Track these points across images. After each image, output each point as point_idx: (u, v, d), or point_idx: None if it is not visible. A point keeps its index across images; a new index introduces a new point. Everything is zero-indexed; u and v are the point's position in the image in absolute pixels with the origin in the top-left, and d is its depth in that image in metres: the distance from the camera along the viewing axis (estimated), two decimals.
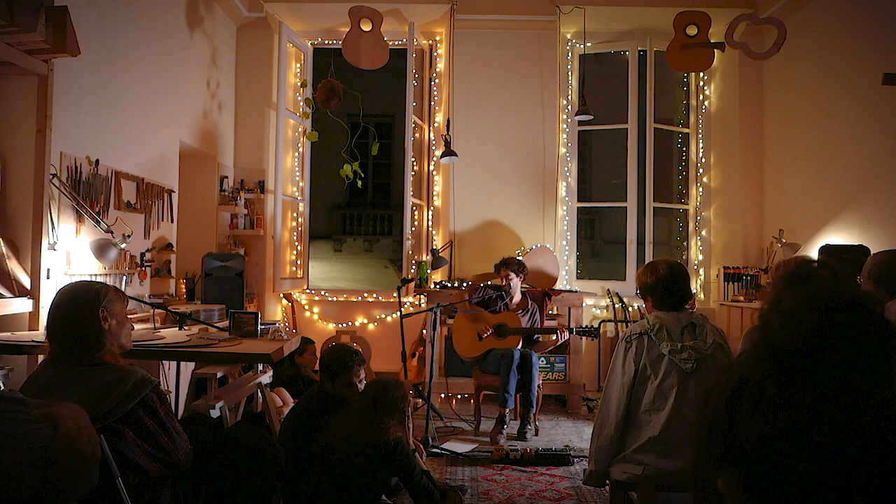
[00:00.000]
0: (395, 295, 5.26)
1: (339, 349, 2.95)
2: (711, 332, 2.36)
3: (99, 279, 3.53)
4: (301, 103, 5.72)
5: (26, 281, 3.13)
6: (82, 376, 1.85)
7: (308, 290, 6.00)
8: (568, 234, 5.86)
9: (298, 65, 6.06)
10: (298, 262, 6.03)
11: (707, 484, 0.67)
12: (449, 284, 5.27)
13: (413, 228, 5.84)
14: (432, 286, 5.32)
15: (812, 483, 0.58)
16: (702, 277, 5.91)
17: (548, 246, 5.59)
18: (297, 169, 6.05)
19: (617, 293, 5.49)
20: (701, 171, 5.99)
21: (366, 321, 5.85)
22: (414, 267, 5.40)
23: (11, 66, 2.97)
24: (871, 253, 3.28)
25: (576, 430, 4.48)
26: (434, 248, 5.55)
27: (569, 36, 5.91)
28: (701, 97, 6.01)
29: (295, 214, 6.04)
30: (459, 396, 5.24)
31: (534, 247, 5.51)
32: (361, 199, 17.26)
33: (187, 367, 3.94)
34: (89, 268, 3.51)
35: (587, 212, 13.72)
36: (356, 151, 5.62)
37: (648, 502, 2.26)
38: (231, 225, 5.58)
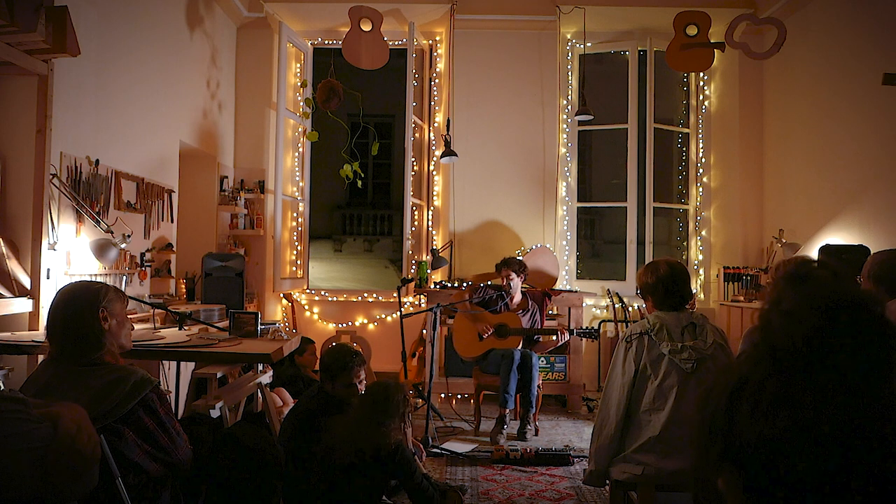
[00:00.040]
0: (395, 295, 5.26)
1: (339, 350, 2.94)
2: (712, 332, 2.36)
3: (99, 279, 3.53)
4: (301, 103, 5.73)
5: (26, 281, 3.13)
6: (82, 376, 1.85)
7: (308, 290, 6.00)
8: (568, 234, 5.86)
9: (298, 65, 6.06)
10: (298, 262, 6.03)
11: (707, 484, 0.67)
12: (449, 284, 5.27)
13: (413, 228, 5.84)
14: (432, 286, 5.32)
15: (812, 483, 0.58)
16: (702, 277, 5.91)
17: (548, 246, 5.59)
18: (297, 169, 6.05)
19: (617, 293, 5.49)
20: (701, 171, 6.00)
21: (366, 321, 5.85)
22: (414, 267, 5.40)
23: (11, 66, 2.97)
24: (871, 253, 3.28)
25: (576, 430, 4.48)
26: (434, 248, 5.55)
27: (569, 36, 5.91)
28: (701, 97, 6.01)
29: (295, 214, 6.04)
30: (459, 396, 5.24)
31: (534, 247, 5.51)
32: (361, 199, 17.26)
33: (187, 367, 3.94)
34: (89, 268, 3.51)
35: (587, 212, 13.72)
36: (356, 151, 5.63)
37: (648, 502, 2.26)
38: (231, 225, 5.58)
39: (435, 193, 5.93)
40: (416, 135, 5.95)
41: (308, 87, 5.81)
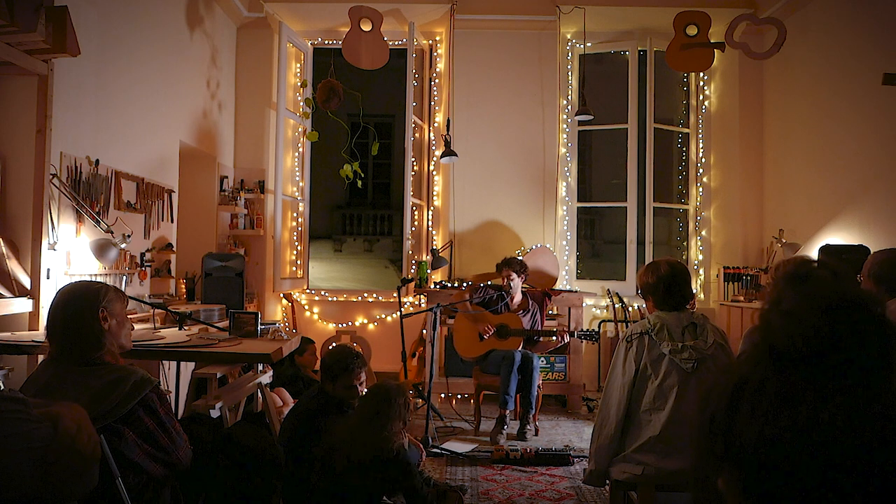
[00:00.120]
0: (395, 295, 5.26)
1: (340, 351, 2.94)
2: (712, 332, 2.36)
3: (99, 279, 3.53)
4: (301, 103, 5.73)
5: (26, 281, 3.13)
6: (82, 376, 1.85)
7: (308, 290, 6.00)
8: (568, 234, 5.86)
9: (298, 65, 6.06)
10: (298, 262, 6.03)
11: (707, 484, 0.67)
12: (449, 284, 5.27)
13: (413, 228, 5.84)
14: (432, 286, 5.32)
15: (812, 483, 0.58)
16: (702, 277, 5.91)
17: (548, 246, 5.59)
18: (297, 169, 6.05)
19: (617, 293, 5.49)
20: (701, 171, 6.00)
21: (366, 321, 5.85)
22: (414, 267, 5.40)
23: (11, 66, 2.97)
24: (872, 252, 3.28)
25: (576, 430, 4.48)
26: (434, 248, 5.55)
27: (569, 36, 5.91)
28: (701, 97, 6.01)
29: (295, 214, 6.04)
30: (459, 396, 5.24)
31: (534, 247, 5.51)
32: (361, 199, 17.26)
33: (187, 367, 3.94)
34: (89, 268, 3.51)
35: (587, 212, 13.72)
36: (356, 151, 5.63)
37: (648, 502, 2.26)
38: (231, 225, 5.58)
39: (435, 193, 5.93)
40: (416, 135, 5.95)
41: (308, 87, 5.81)
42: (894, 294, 2.37)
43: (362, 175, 5.45)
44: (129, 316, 2.16)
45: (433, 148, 5.94)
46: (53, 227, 3.21)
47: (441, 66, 5.92)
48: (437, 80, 5.94)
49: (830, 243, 4.30)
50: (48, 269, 3.19)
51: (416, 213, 5.94)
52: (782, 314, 0.66)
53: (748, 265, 5.62)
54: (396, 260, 14.47)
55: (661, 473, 2.21)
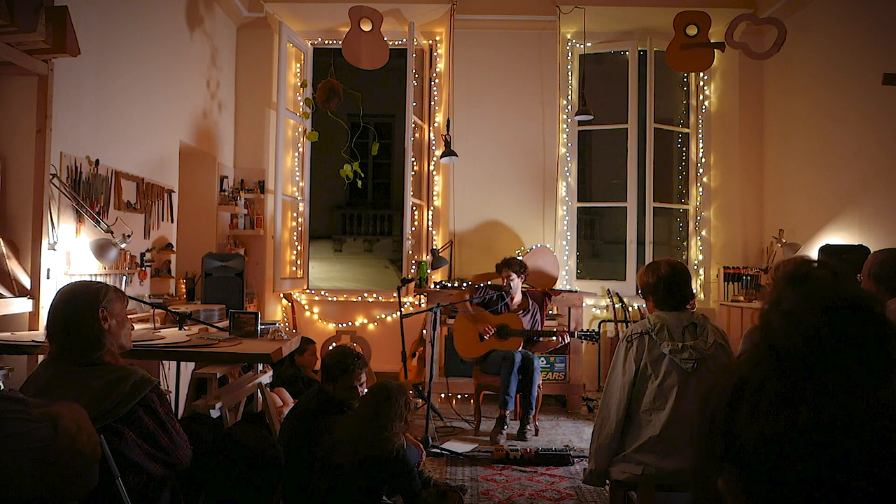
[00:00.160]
0: (395, 295, 5.26)
1: (341, 352, 2.94)
2: (712, 332, 2.36)
3: (99, 279, 3.53)
4: (301, 103, 5.73)
5: (26, 281, 3.13)
6: (82, 376, 1.85)
7: (308, 290, 6.00)
8: (568, 234, 5.86)
9: (298, 65, 6.06)
10: (298, 262, 6.03)
11: (707, 484, 0.67)
12: (449, 284, 5.27)
13: (413, 228, 5.84)
14: (432, 286, 5.32)
15: (812, 483, 0.58)
16: (702, 277, 5.91)
17: (548, 246, 5.59)
18: (297, 169, 6.05)
19: (617, 293, 5.49)
20: (701, 171, 6.00)
21: (366, 321, 5.85)
22: (414, 267, 5.40)
23: (11, 66, 2.97)
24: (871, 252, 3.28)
25: (576, 430, 4.48)
26: (434, 248, 5.55)
27: (569, 36, 5.91)
28: (701, 97, 6.01)
29: (295, 214, 6.04)
30: (459, 396, 5.24)
31: (534, 247, 5.51)
32: (361, 199, 17.26)
33: (187, 367, 3.94)
34: (89, 268, 3.51)
35: (587, 212, 13.72)
36: (356, 151, 5.63)
37: (648, 502, 2.26)
38: (231, 225, 5.58)
39: (435, 193, 5.94)
40: (416, 135, 5.95)
41: (308, 87, 5.81)
42: (894, 294, 2.37)
43: (362, 175, 5.45)
44: (129, 316, 2.16)
45: (433, 148, 5.94)
46: (53, 227, 3.21)
47: (441, 66, 5.92)
48: (437, 80, 5.94)
49: (830, 243, 4.30)
50: (48, 269, 3.19)
51: (416, 213, 5.94)
52: (782, 314, 0.66)
53: (748, 265, 5.62)
54: (396, 260, 14.47)
55: (661, 473, 2.21)
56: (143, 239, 4.14)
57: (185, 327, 3.35)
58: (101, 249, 3.37)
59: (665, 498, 2.27)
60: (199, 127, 5.06)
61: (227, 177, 5.56)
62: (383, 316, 5.84)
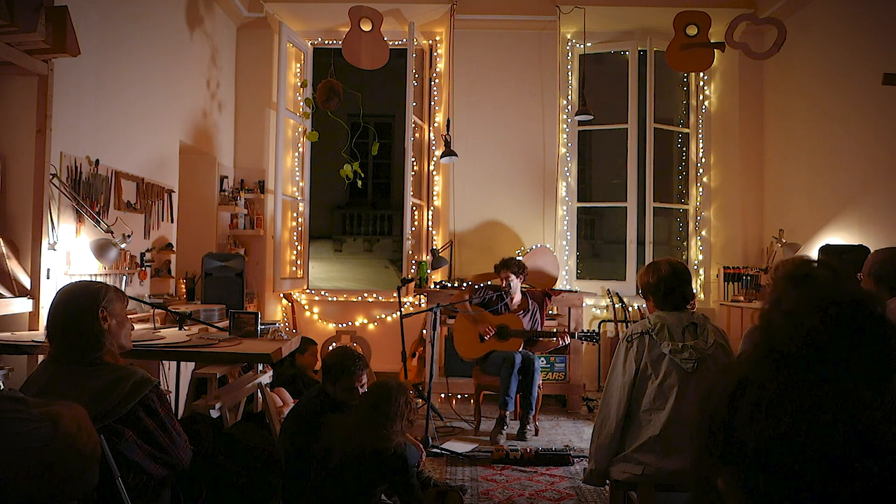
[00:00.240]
0: (395, 295, 5.26)
1: (342, 353, 2.94)
2: (713, 332, 2.36)
3: (99, 279, 3.53)
4: (301, 103, 5.73)
5: (26, 281, 3.13)
6: (82, 376, 1.85)
7: (308, 290, 6.00)
8: (568, 234, 5.86)
9: (298, 65, 6.06)
10: (298, 262, 6.03)
11: (707, 484, 0.67)
12: (449, 284, 5.27)
13: (413, 228, 5.84)
14: (432, 286, 5.32)
15: (812, 483, 0.58)
16: (702, 277, 5.91)
17: (548, 246, 5.59)
18: (297, 169, 6.05)
19: (617, 293, 5.49)
20: (701, 171, 5.99)
21: (366, 321, 5.85)
22: (414, 267, 5.40)
23: (11, 66, 2.97)
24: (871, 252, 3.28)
25: (576, 430, 4.48)
26: (434, 248, 5.55)
27: (569, 36, 5.91)
28: (701, 97, 6.01)
29: (295, 214, 6.04)
30: (459, 396, 5.24)
31: (534, 247, 5.50)
32: (361, 199, 17.26)
33: (187, 367, 3.94)
34: (89, 268, 3.51)
35: (587, 212, 13.72)
36: (356, 151, 5.62)
37: (648, 502, 2.26)
38: (231, 225, 5.58)
39: (435, 193, 5.93)
40: (416, 135, 5.95)
41: (308, 87, 5.81)
42: (894, 293, 2.37)
43: (362, 175, 5.45)
44: (129, 316, 2.16)
45: (433, 148, 5.94)
46: (53, 227, 3.21)
47: (441, 66, 5.92)
48: (437, 80, 5.94)
49: (830, 243, 4.30)
50: (48, 269, 3.19)
51: (416, 213, 5.94)
52: (783, 314, 0.66)
53: (748, 265, 5.62)
54: (396, 260, 14.47)
55: (661, 473, 2.21)
56: (143, 239, 4.14)
57: (185, 327, 3.35)
58: (101, 249, 3.37)
59: (665, 498, 2.27)
60: (199, 127, 5.06)
61: (227, 177, 5.56)
62: (383, 316, 5.84)
